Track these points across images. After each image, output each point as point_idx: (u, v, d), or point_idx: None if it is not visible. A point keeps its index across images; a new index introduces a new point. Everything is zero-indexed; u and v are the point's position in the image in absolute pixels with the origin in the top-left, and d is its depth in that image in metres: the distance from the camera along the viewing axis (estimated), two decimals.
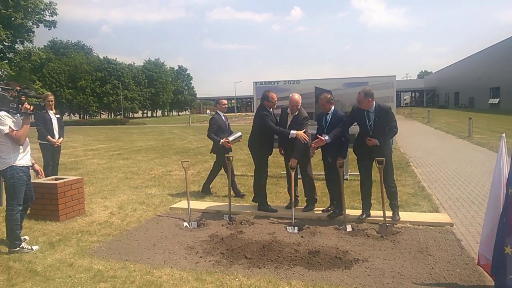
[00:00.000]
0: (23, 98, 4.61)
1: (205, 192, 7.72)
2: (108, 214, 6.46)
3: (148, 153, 15.19)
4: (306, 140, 5.91)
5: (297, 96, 6.07)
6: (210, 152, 7.81)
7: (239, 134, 7.39)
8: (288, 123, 6.17)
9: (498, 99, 53.14)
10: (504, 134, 3.78)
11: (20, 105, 4.55)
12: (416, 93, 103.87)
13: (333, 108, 6.00)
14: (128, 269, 4.20)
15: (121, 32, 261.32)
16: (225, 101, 7.84)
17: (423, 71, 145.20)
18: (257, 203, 6.46)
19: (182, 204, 6.75)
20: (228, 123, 7.81)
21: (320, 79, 9.19)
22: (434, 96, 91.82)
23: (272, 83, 8.98)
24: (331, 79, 9.24)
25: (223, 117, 7.66)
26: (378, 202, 6.05)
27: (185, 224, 5.75)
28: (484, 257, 3.69)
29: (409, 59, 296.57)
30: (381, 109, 5.54)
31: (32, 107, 4.59)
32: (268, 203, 6.46)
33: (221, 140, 7.23)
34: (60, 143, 7.93)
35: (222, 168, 7.59)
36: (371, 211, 5.84)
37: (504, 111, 45.06)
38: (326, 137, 5.72)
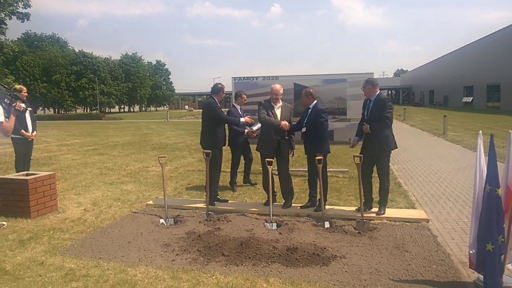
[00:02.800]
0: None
1: (232, 189, 7.59)
2: (81, 211, 6.29)
3: (124, 149, 14.92)
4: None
5: (278, 86, 6.17)
6: (228, 145, 7.33)
7: (259, 125, 6.95)
8: (279, 115, 6.12)
9: (471, 98, 54.42)
10: (480, 132, 3.75)
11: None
12: (393, 91, 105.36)
13: (314, 102, 6.01)
14: (101, 267, 4.08)
15: (98, 26, 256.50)
16: (245, 96, 7.80)
17: (399, 69, 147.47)
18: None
19: (159, 200, 6.63)
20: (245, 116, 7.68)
21: (299, 75, 9.18)
22: (410, 94, 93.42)
23: (251, 78, 8.90)
24: (310, 75, 9.25)
25: (239, 110, 7.60)
26: (356, 198, 6.07)
27: (162, 221, 5.64)
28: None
29: (386, 58, 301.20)
30: (379, 99, 5.72)
31: (22, 107, 4.71)
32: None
33: (245, 130, 7.28)
34: (34, 137, 7.68)
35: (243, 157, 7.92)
36: (349, 207, 5.85)
37: (477, 109, 46.26)
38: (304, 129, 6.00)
